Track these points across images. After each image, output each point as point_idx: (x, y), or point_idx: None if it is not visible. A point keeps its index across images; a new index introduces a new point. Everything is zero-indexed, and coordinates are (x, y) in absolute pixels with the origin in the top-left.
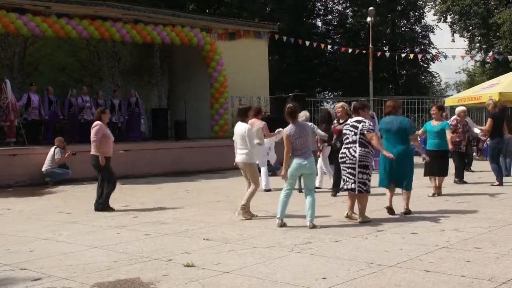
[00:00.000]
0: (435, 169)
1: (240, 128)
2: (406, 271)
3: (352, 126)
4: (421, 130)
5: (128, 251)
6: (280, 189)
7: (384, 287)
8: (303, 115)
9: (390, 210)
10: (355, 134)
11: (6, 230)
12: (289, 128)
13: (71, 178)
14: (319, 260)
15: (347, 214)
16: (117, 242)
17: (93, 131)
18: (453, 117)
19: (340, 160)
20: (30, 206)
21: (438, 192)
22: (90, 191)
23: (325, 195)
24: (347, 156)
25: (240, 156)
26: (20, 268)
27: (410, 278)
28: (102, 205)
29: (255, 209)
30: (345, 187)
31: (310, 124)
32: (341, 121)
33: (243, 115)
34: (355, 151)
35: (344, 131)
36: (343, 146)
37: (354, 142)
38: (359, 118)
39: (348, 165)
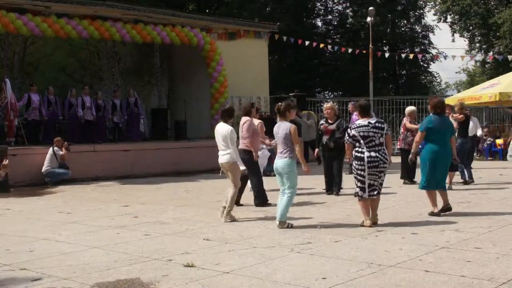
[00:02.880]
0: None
1: (222, 129)
2: (406, 271)
3: (375, 127)
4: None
5: (128, 251)
6: (274, 190)
7: (384, 287)
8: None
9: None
10: (381, 136)
11: (6, 230)
12: (275, 126)
13: (71, 178)
14: (319, 260)
15: (372, 221)
16: (117, 242)
17: (244, 127)
18: (404, 119)
19: (369, 165)
20: (30, 206)
21: (449, 186)
22: (89, 191)
23: (325, 195)
24: (380, 159)
25: (223, 156)
26: (20, 268)
27: (410, 278)
28: (257, 198)
29: (256, 209)
30: (374, 193)
31: (286, 125)
32: (330, 121)
33: (226, 116)
34: (385, 153)
35: (366, 134)
36: (369, 149)
37: (381, 144)
38: (375, 119)
39: (381, 169)
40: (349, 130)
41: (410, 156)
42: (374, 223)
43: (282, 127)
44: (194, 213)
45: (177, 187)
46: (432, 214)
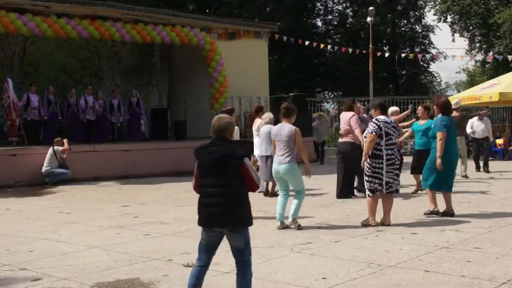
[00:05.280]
0: (422, 167)
1: None
2: (406, 271)
3: (394, 127)
4: (409, 130)
5: (128, 251)
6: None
7: (384, 287)
8: (267, 116)
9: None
10: (396, 136)
11: (6, 230)
12: (275, 128)
13: (71, 178)
14: (319, 260)
15: (380, 221)
16: (117, 242)
17: (352, 121)
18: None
19: (387, 162)
20: (30, 206)
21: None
22: (89, 191)
23: (325, 195)
24: (396, 157)
25: None
26: (20, 268)
27: (410, 278)
28: (344, 192)
29: (255, 210)
30: (389, 190)
31: (290, 127)
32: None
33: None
34: (398, 151)
35: (387, 131)
36: (387, 147)
37: (395, 143)
38: (390, 118)
39: (396, 166)
40: (377, 121)
41: (437, 160)
42: (388, 224)
43: (285, 129)
44: (194, 213)
45: (177, 187)
46: (431, 212)
